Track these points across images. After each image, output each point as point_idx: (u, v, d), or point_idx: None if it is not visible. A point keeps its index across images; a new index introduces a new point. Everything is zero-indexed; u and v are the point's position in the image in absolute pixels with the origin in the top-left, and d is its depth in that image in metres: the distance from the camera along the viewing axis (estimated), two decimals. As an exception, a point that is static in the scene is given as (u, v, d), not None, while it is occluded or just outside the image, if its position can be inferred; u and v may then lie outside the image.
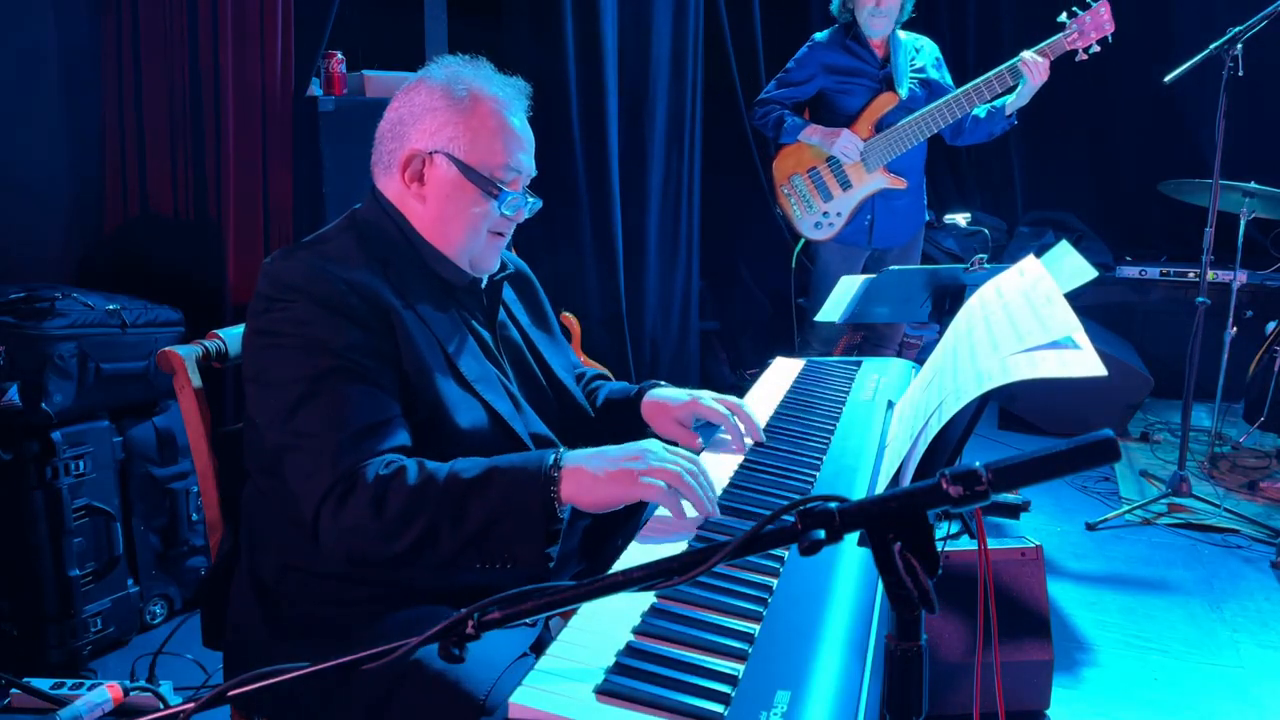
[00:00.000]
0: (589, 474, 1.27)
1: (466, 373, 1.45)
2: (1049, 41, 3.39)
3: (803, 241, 3.93)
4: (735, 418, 1.65)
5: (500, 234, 1.52)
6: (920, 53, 3.68)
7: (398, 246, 1.48)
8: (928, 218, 3.90)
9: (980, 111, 3.53)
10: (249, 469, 1.50)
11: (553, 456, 1.29)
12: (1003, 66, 3.40)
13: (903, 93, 3.58)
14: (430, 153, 1.46)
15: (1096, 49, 3.39)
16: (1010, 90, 3.44)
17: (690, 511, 1.31)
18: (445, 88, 1.46)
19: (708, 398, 1.67)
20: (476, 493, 1.26)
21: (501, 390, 1.50)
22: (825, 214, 3.73)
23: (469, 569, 1.29)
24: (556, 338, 1.74)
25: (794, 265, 4.09)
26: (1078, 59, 3.41)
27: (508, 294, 1.66)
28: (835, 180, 3.69)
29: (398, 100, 1.49)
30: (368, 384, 1.34)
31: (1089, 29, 3.36)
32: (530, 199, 1.53)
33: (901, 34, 3.63)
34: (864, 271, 3.85)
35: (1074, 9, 3.37)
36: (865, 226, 3.74)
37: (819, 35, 3.75)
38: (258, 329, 1.39)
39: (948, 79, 3.73)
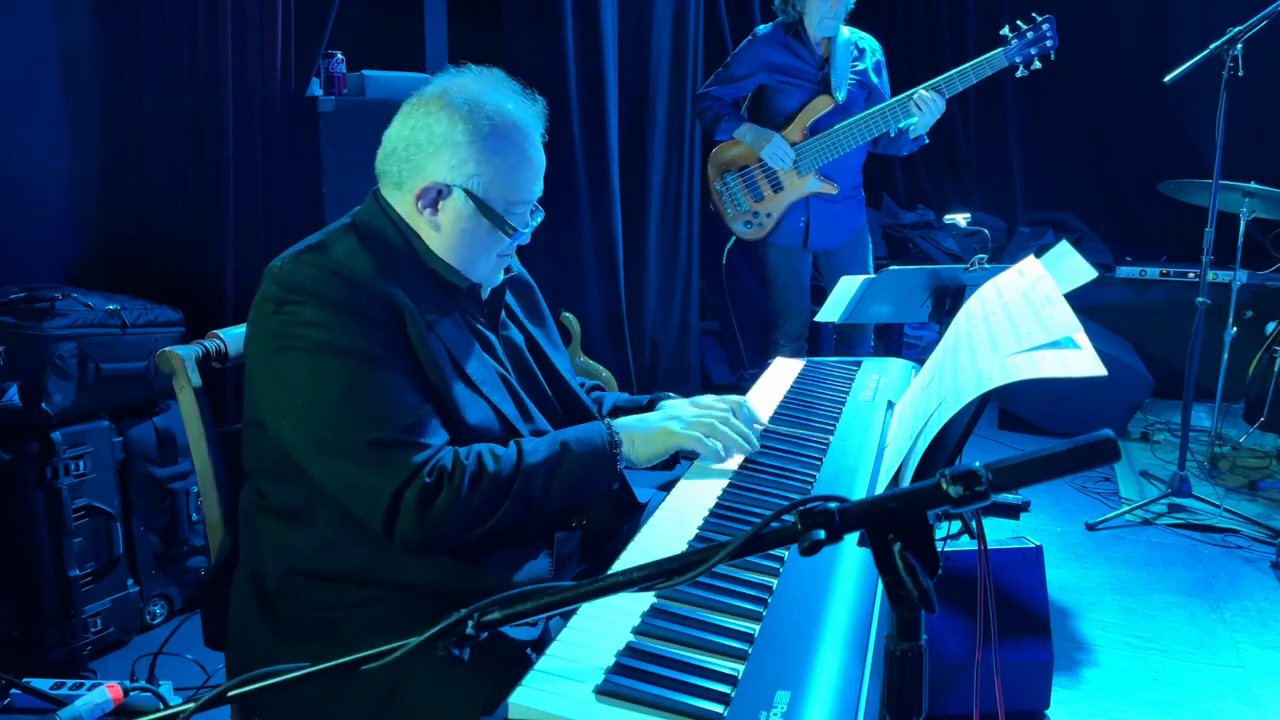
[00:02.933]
0: (640, 434, 1.49)
1: (472, 374, 1.46)
2: (987, 56, 3.36)
3: (733, 239, 3.91)
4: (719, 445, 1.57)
5: (507, 255, 1.56)
6: (863, 54, 3.65)
7: (400, 251, 1.48)
8: (917, 217, 3.88)
9: (891, 130, 3.52)
10: (248, 471, 1.50)
11: (608, 429, 1.47)
12: (903, 96, 3.41)
13: (839, 96, 3.55)
14: (448, 186, 1.45)
15: (1039, 66, 3.36)
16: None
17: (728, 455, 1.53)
18: (467, 119, 1.43)
19: (707, 400, 1.67)
20: (558, 467, 1.41)
21: (505, 392, 1.51)
22: (756, 214, 3.72)
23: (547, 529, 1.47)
24: (556, 342, 1.75)
25: (725, 261, 4.06)
26: (1018, 74, 3.38)
27: (508, 297, 1.66)
28: (767, 181, 3.67)
29: (413, 118, 1.46)
30: (398, 380, 1.36)
31: (1030, 45, 3.33)
32: (535, 216, 1.54)
33: (845, 31, 3.59)
34: (813, 271, 3.86)
35: (1018, 22, 3.35)
36: (800, 229, 3.70)
37: (761, 29, 3.71)
38: (268, 331, 1.38)
39: (886, 84, 3.69)
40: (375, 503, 1.32)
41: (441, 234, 1.48)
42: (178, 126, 2.99)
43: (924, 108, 3.37)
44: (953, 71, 3.39)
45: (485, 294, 1.57)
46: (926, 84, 3.40)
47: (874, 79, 3.64)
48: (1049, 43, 3.32)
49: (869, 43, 3.68)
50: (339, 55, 3.20)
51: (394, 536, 1.33)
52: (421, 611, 1.40)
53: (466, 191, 1.45)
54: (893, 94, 3.64)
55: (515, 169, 1.46)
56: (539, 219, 1.55)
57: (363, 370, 1.34)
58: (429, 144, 1.44)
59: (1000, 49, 3.36)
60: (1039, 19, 3.33)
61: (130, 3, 2.96)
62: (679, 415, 1.53)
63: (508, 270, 1.62)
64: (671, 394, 1.78)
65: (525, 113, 1.48)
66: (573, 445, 1.42)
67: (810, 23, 3.54)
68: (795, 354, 3.41)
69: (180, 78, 2.96)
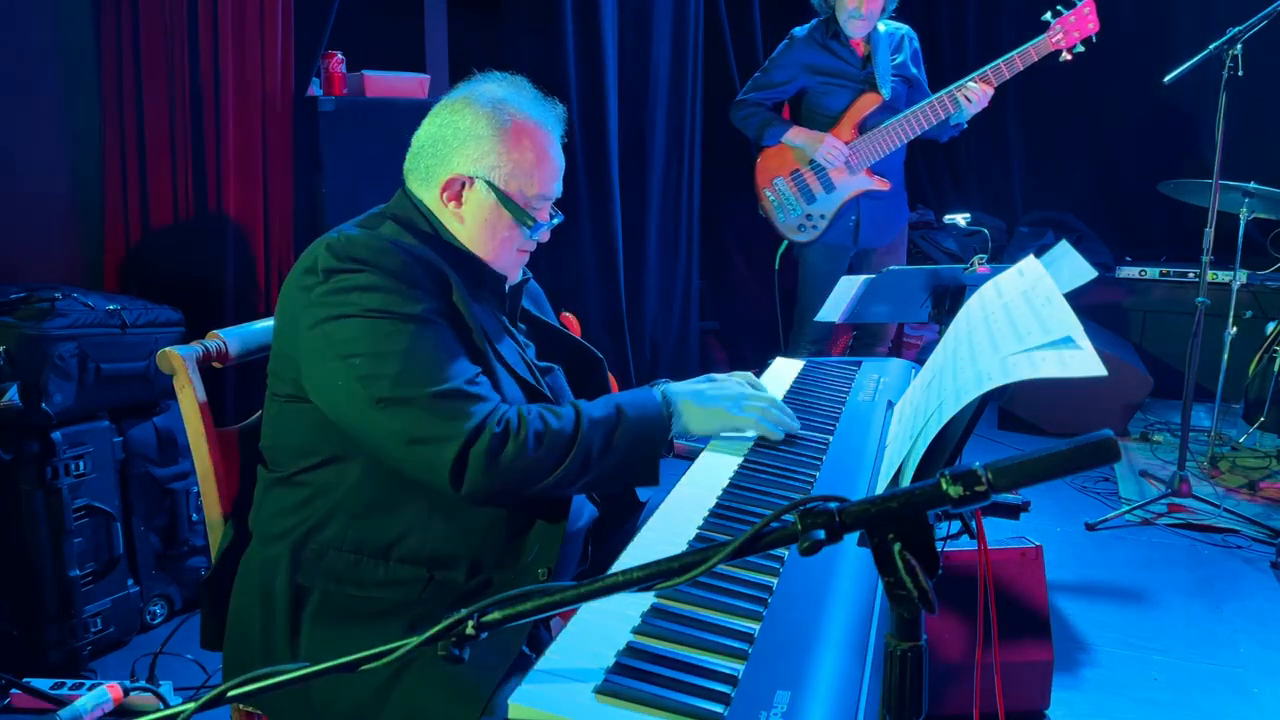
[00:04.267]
0: (696, 409, 1.54)
1: (503, 353, 1.52)
2: (1033, 42, 3.40)
3: (786, 243, 3.92)
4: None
5: (526, 250, 1.61)
6: (901, 46, 3.67)
7: (432, 239, 1.53)
8: (919, 217, 3.92)
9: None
10: (267, 451, 1.51)
11: (662, 397, 1.52)
12: (953, 87, 3.44)
13: (885, 94, 3.57)
14: (471, 177, 1.51)
15: (1081, 49, 3.40)
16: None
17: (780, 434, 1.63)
18: (491, 115, 1.50)
19: (720, 379, 1.75)
20: (615, 428, 1.44)
21: (529, 375, 1.56)
22: (809, 216, 3.72)
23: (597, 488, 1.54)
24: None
25: (778, 267, 4.07)
26: (1062, 59, 3.42)
27: (526, 301, 1.72)
28: (818, 182, 3.68)
29: (440, 116, 1.53)
30: (453, 342, 1.41)
31: (1072, 29, 3.36)
32: (554, 218, 1.60)
33: (881, 26, 3.61)
34: (850, 271, 3.87)
35: (1058, 8, 3.38)
36: (850, 227, 3.72)
37: (798, 31, 3.72)
38: (317, 301, 1.40)
39: (923, 73, 3.73)
40: (443, 453, 1.34)
41: (465, 225, 1.54)
42: (178, 126, 2.98)
43: (974, 100, 3.41)
44: (999, 60, 3.42)
45: (506, 286, 1.62)
46: (974, 74, 3.43)
47: (913, 70, 3.67)
48: (1091, 25, 3.36)
49: (905, 31, 3.70)
50: (339, 55, 3.20)
51: (461, 485, 1.35)
52: (429, 593, 1.42)
53: (489, 183, 1.51)
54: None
55: (535, 164, 1.52)
56: (558, 220, 1.60)
57: (420, 330, 1.38)
58: (454, 139, 1.51)
59: (1044, 34, 3.40)
60: (1079, 3, 3.37)
61: (130, 2, 2.95)
62: (734, 397, 1.59)
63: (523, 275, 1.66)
64: (668, 379, 1.80)
65: (546, 114, 1.56)
66: (628, 409, 1.47)
67: (840, 22, 3.56)
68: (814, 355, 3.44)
69: (180, 77, 2.96)
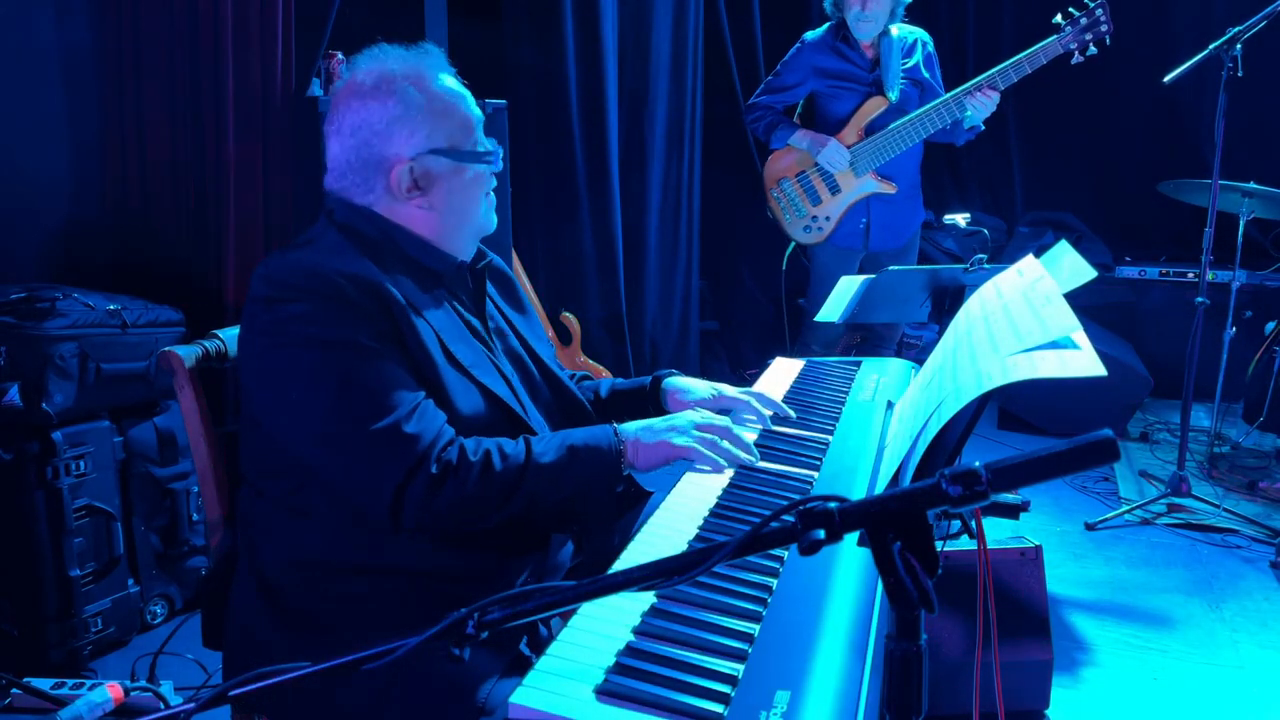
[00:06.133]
0: (644, 444, 1.46)
1: (461, 358, 1.46)
2: (1043, 44, 3.39)
3: (793, 245, 3.92)
4: (758, 403, 1.75)
5: (491, 191, 1.58)
6: (913, 50, 3.67)
7: (382, 245, 1.49)
8: (925, 218, 3.92)
9: (947, 124, 3.55)
10: (245, 471, 1.50)
11: (615, 435, 1.47)
12: (958, 91, 3.44)
13: (893, 96, 3.57)
14: (415, 158, 1.46)
15: (1094, 51, 3.38)
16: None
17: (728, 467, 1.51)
18: (389, 92, 1.46)
19: (730, 391, 1.75)
20: (565, 472, 1.41)
21: (496, 374, 1.51)
22: (814, 218, 3.73)
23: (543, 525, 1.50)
24: (539, 334, 1.74)
25: (784, 267, 4.08)
26: (1074, 61, 3.40)
27: (489, 287, 1.66)
28: (824, 185, 3.69)
29: (344, 125, 1.47)
30: (392, 369, 1.36)
31: (1085, 30, 3.35)
32: (498, 150, 1.57)
33: (894, 30, 3.61)
34: (860, 273, 3.86)
35: (1070, 9, 3.36)
36: (860, 229, 3.72)
37: (809, 35, 3.73)
38: (259, 330, 1.39)
39: (938, 77, 3.72)
40: (380, 493, 1.32)
41: (437, 208, 1.50)
42: (178, 126, 2.98)
43: (978, 104, 3.41)
44: (1006, 63, 3.40)
45: (467, 269, 1.57)
46: (981, 77, 3.42)
47: (924, 74, 3.66)
48: (1104, 27, 3.33)
49: (918, 35, 3.69)
50: (339, 55, 3.21)
51: (399, 524, 1.34)
52: (425, 600, 1.41)
53: (434, 152, 1.47)
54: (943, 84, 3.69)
55: (453, 108, 1.49)
56: (497, 146, 1.56)
57: (357, 361, 1.34)
58: (374, 137, 1.46)
59: (1054, 37, 3.37)
60: (1092, 4, 3.34)
61: (131, 2, 2.95)
62: (680, 427, 1.50)
63: (483, 257, 1.62)
64: (675, 370, 1.81)
65: (424, 60, 1.52)
66: (580, 451, 1.43)
67: (849, 25, 3.56)
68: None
69: (181, 77, 2.96)
